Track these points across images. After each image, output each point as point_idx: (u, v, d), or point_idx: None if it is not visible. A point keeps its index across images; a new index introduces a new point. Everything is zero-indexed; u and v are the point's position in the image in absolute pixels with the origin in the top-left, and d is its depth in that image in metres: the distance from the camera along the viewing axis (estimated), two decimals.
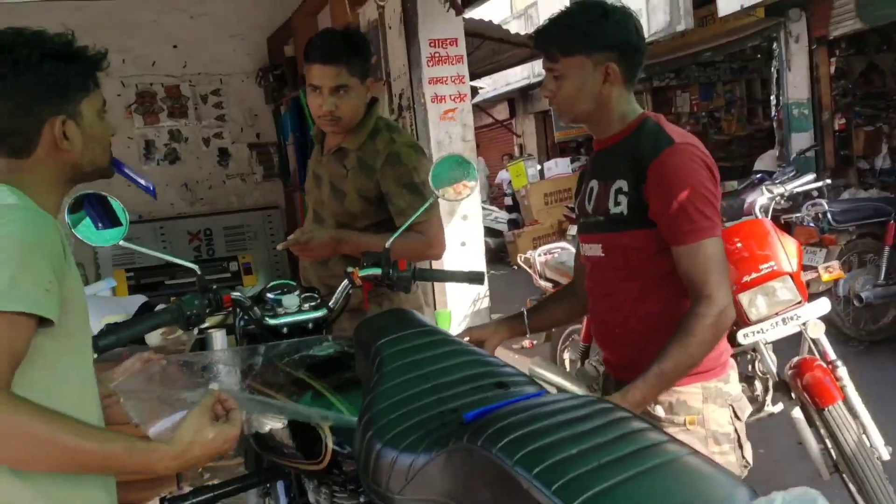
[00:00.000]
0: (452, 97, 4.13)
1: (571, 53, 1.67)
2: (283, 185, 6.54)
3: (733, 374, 1.81)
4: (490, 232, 10.24)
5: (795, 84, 7.92)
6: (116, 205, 1.77)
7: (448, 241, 4.14)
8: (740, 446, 1.74)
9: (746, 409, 1.80)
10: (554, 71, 1.70)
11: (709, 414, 1.70)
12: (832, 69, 7.97)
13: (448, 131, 4.13)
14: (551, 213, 10.35)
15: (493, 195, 13.82)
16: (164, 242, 6.12)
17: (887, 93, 8.05)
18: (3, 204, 1.19)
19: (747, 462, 1.74)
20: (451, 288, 4.27)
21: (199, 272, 1.84)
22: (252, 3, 6.06)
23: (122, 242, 1.78)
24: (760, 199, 3.07)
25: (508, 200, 12.35)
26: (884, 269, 4.73)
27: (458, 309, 4.29)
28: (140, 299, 3.80)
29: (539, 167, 10.47)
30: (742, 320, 2.70)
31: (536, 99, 13.35)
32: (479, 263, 4.36)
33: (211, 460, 1.27)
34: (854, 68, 8.03)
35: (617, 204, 1.72)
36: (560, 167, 10.55)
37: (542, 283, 3.75)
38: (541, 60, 1.80)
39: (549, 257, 3.81)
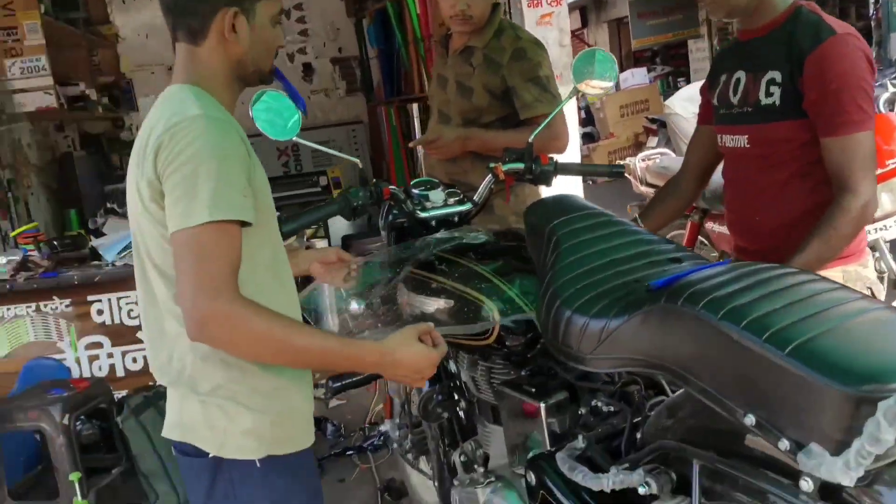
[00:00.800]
0: (549, 1, 4.07)
1: None
2: (366, 99, 6.60)
3: (870, 258, 1.85)
4: None
5: None
6: (289, 103, 1.86)
7: None
8: None
9: (882, 293, 1.83)
10: None
11: None
12: None
13: (545, 36, 4.06)
14: (627, 125, 10.17)
15: None
16: None
17: None
18: (189, 115, 1.25)
19: None
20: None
21: (360, 166, 1.94)
22: None
23: (295, 138, 1.88)
24: (885, 93, 2.98)
25: (582, 114, 12.15)
26: None
27: None
28: None
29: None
30: None
31: (610, 6, 12.91)
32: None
33: (411, 374, 1.35)
34: None
35: (769, 95, 1.73)
36: (637, 77, 10.30)
37: (644, 188, 3.76)
38: None
39: (651, 163, 3.80)
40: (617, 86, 10.27)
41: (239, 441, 1.29)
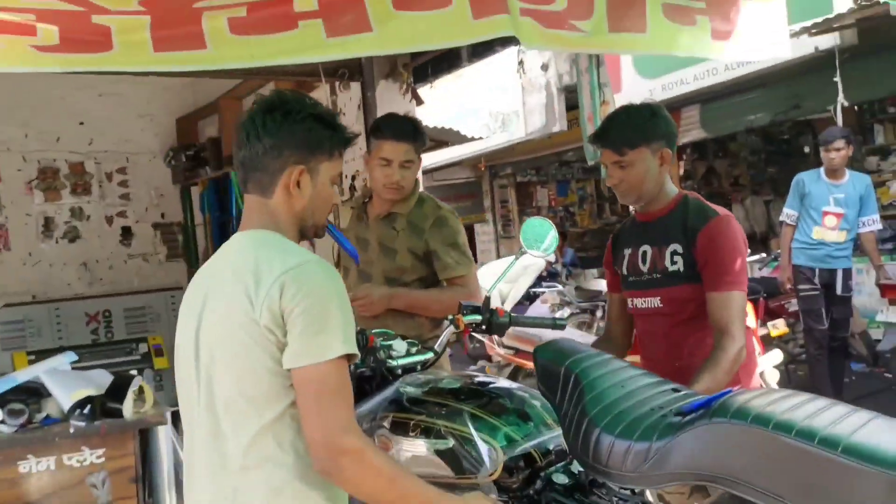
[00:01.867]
0: None
1: (636, 146, 2.11)
2: (188, 265, 6.43)
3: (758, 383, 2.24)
4: None
5: None
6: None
7: None
8: None
9: None
10: (621, 162, 2.12)
11: None
12: (681, 171, 9.17)
13: None
14: None
15: None
16: (59, 325, 5.78)
17: (723, 193, 9.35)
18: (308, 259, 1.39)
19: None
20: None
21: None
22: (163, 85, 6.08)
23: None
24: None
25: None
26: (786, 330, 5.51)
27: None
28: (106, 375, 3.64)
29: None
30: None
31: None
32: None
33: None
34: (697, 171, 9.29)
35: (674, 263, 2.14)
36: None
37: (502, 350, 4.05)
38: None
39: None
40: None
41: None
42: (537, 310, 6.95)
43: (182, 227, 6.41)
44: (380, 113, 4.34)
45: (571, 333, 3.31)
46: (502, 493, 1.72)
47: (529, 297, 7.76)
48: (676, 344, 2.16)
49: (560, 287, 7.21)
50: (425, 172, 12.74)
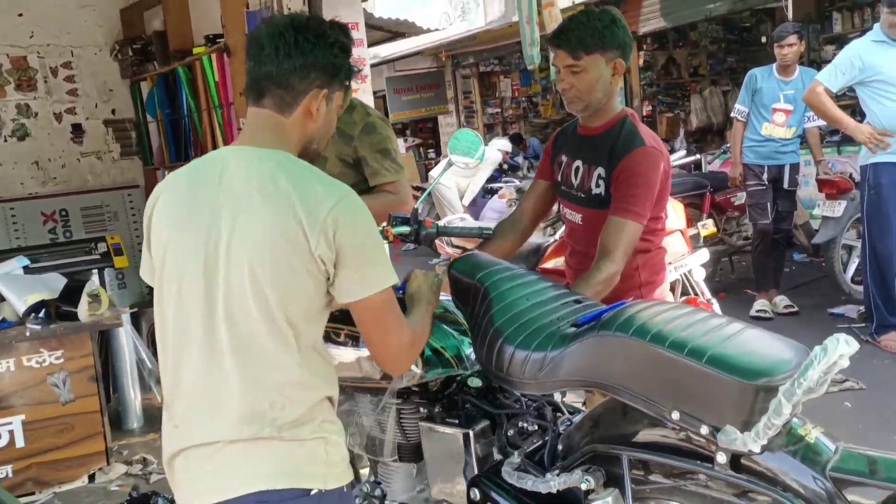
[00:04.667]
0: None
1: (592, 52, 2.09)
2: (144, 163, 6.37)
3: (666, 289, 2.37)
4: None
5: None
6: None
7: None
8: None
9: None
10: (574, 67, 2.11)
11: None
12: (640, 62, 9.11)
13: None
14: None
15: None
16: (15, 224, 5.78)
17: (682, 84, 9.35)
18: (348, 191, 1.46)
19: None
20: None
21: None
22: None
23: None
24: None
25: None
26: (716, 230, 5.68)
27: None
28: (60, 278, 3.72)
29: None
30: None
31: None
32: None
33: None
34: (657, 61, 9.24)
35: (597, 185, 2.19)
36: None
37: (450, 249, 4.17)
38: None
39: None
40: None
41: (338, 470, 1.44)
42: (494, 204, 7.05)
43: (135, 123, 6.31)
44: (325, 6, 4.26)
45: None
46: (421, 395, 1.87)
47: (489, 192, 7.85)
48: (589, 259, 2.24)
49: (518, 182, 7.30)
50: (386, 62, 12.51)
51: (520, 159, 10.25)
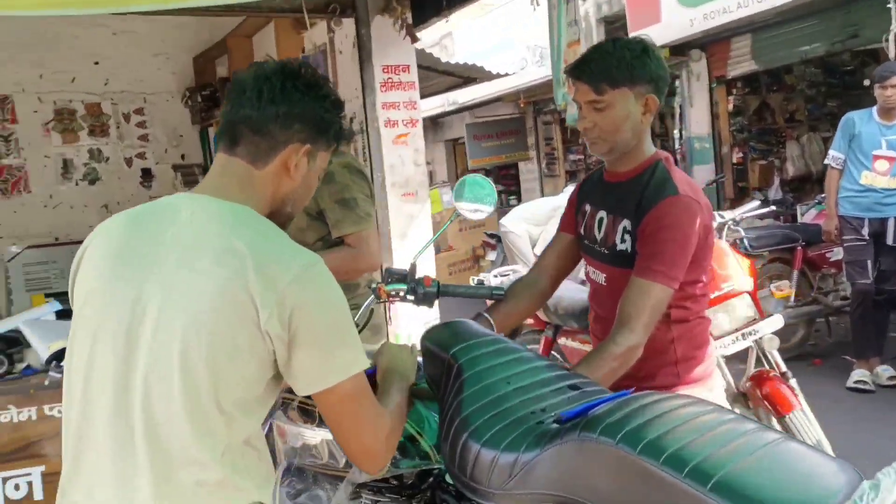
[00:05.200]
0: (405, 122, 4.21)
1: (618, 85, 1.77)
2: None
3: (718, 381, 1.97)
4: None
5: (697, 120, 8.48)
6: None
7: (399, 264, 4.23)
8: None
9: None
10: (598, 103, 1.79)
11: None
12: (730, 107, 8.59)
13: (400, 155, 4.21)
14: (466, 239, 10.54)
15: None
16: None
17: (777, 129, 8.75)
18: (314, 261, 1.23)
19: None
20: (402, 311, 4.31)
21: None
22: (177, 23, 5.93)
23: None
24: (714, 223, 3.30)
25: None
26: (793, 291, 5.12)
27: (411, 331, 4.33)
28: None
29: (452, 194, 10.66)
30: None
31: (447, 126, 13.63)
32: None
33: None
34: (749, 106, 8.69)
35: (623, 241, 1.85)
36: None
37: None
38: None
39: (504, 279, 3.92)
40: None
41: None
42: None
43: (202, 168, 6.35)
44: (375, 51, 4.11)
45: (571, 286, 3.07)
46: (392, 489, 1.56)
47: None
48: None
49: None
50: (466, 109, 12.41)
51: None
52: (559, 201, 8.53)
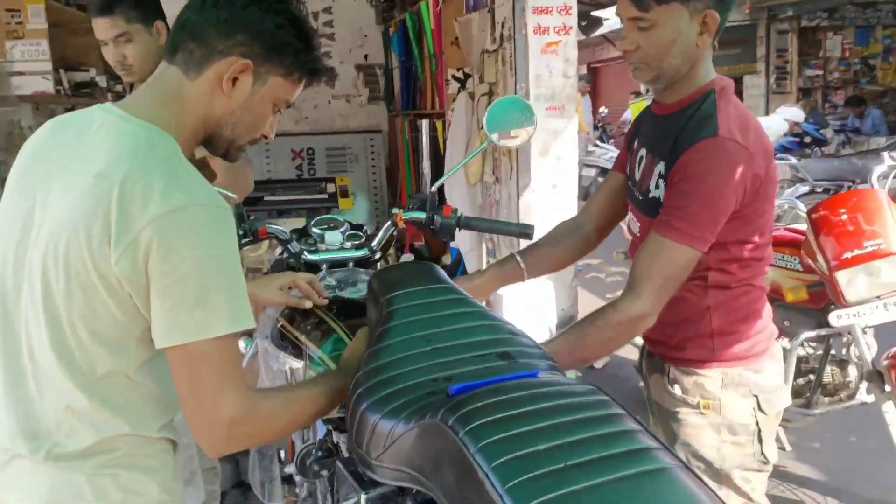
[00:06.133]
0: (557, 29, 3.89)
1: (667, 0, 1.44)
2: (387, 108, 6.50)
3: (771, 363, 1.63)
4: (605, 172, 9.88)
5: None
6: None
7: (539, 183, 4.03)
8: (760, 441, 1.58)
9: (778, 403, 1.63)
10: (641, 20, 1.47)
11: (726, 401, 1.58)
12: None
13: (549, 65, 3.92)
14: None
15: (613, 134, 13.28)
16: (267, 158, 6.26)
17: None
18: (195, 204, 1.07)
19: (766, 459, 1.59)
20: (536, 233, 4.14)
21: (237, 201, 1.80)
22: None
23: None
24: (879, 166, 2.72)
25: None
26: None
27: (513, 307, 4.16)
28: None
29: None
30: (838, 300, 2.46)
31: None
32: (570, 207, 4.20)
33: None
34: None
35: (656, 187, 1.55)
36: None
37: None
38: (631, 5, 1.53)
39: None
40: None
41: None
42: None
43: (384, 69, 6.44)
44: None
45: None
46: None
47: None
48: None
49: (793, 160, 6.07)
50: None
51: (829, 132, 8.63)
52: (771, 122, 7.61)
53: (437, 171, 5.10)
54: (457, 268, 4.69)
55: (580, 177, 11.61)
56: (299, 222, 5.98)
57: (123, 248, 1.05)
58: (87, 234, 1.06)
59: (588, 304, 5.62)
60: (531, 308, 3.58)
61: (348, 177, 6.21)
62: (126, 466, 1.15)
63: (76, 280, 1.07)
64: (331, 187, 6.05)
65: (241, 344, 1.92)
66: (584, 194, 11.61)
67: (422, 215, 1.79)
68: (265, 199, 5.88)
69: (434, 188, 1.79)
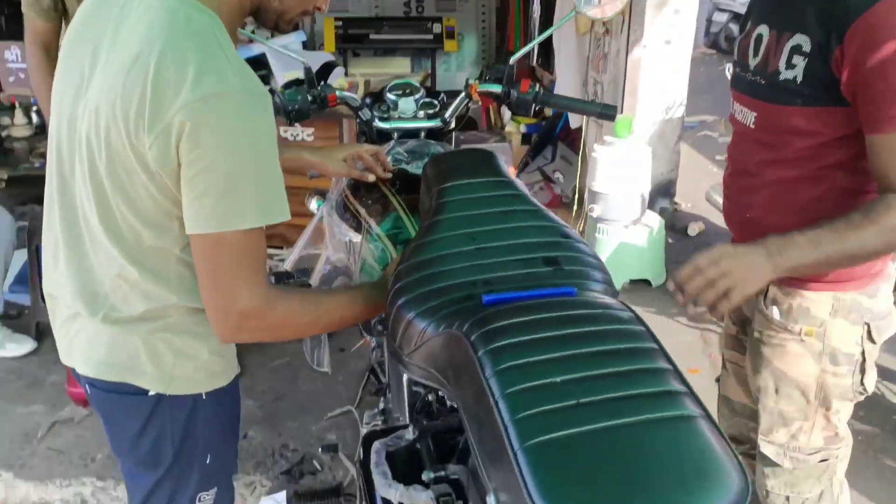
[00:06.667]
0: None
1: None
2: None
3: (886, 287, 1.47)
4: (738, 18, 9.03)
5: None
6: None
7: (652, 39, 3.74)
8: (862, 371, 1.45)
9: (889, 329, 1.47)
10: None
11: (833, 329, 1.42)
12: None
13: None
14: None
15: None
16: None
17: None
18: (230, 91, 1.02)
19: (864, 389, 1.46)
20: (643, 89, 3.90)
21: (307, 65, 1.75)
22: None
23: None
24: None
25: None
26: None
27: (647, 115, 3.93)
28: (325, 56, 3.84)
29: None
30: None
31: None
32: (682, 70, 3.91)
33: None
34: None
35: (790, 66, 1.32)
36: None
37: None
38: None
39: None
40: None
41: (189, 375, 1.23)
42: None
43: None
44: None
45: None
46: None
47: None
48: (760, 189, 1.45)
49: None
50: None
51: None
52: None
53: (547, 17, 4.81)
54: None
55: (710, 22, 10.64)
56: (404, 63, 5.89)
57: (156, 134, 1.03)
58: (125, 117, 1.04)
59: (693, 167, 5.30)
60: (621, 169, 3.40)
61: (455, 17, 5.98)
62: (178, 331, 1.21)
63: (118, 160, 1.08)
64: (437, 27, 5.85)
65: (314, 204, 1.94)
66: (712, 42, 10.68)
67: (498, 88, 1.69)
68: (370, 37, 5.78)
69: (513, 60, 1.67)
